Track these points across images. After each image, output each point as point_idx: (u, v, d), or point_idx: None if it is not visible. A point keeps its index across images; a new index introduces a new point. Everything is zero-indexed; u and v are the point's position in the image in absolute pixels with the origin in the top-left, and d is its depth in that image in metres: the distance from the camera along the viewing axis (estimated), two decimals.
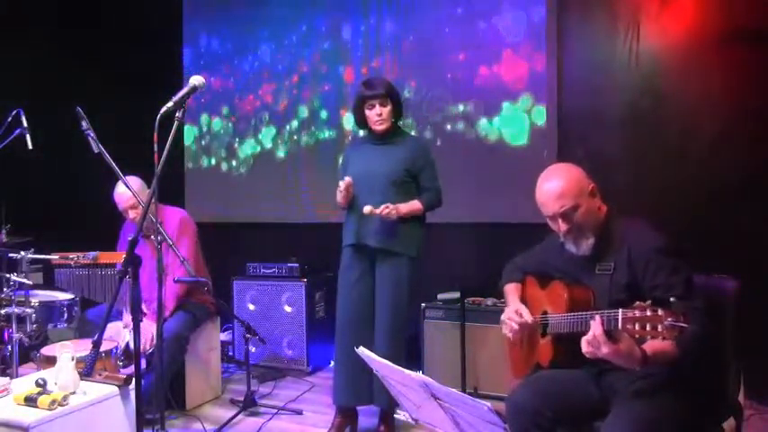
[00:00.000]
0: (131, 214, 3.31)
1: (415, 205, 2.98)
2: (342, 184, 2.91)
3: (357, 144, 3.21)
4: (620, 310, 1.68)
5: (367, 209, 2.85)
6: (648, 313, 1.62)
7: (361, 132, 3.23)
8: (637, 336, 1.65)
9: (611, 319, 1.73)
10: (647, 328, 1.62)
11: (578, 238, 2.00)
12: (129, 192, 3.31)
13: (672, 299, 1.64)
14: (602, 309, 1.90)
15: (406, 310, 3.00)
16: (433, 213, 3.96)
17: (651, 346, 1.74)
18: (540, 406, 1.93)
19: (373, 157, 3.03)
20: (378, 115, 2.96)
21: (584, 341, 1.76)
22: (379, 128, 2.98)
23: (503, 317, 2.21)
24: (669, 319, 1.59)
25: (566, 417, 1.95)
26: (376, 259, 2.99)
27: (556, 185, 1.97)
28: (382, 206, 2.83)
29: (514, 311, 2.16)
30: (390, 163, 2.98)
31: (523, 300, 2.27)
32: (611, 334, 1.74)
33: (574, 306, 1.98)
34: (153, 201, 2.10)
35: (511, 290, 2.33)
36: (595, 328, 1.73)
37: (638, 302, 1.66)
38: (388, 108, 2.97)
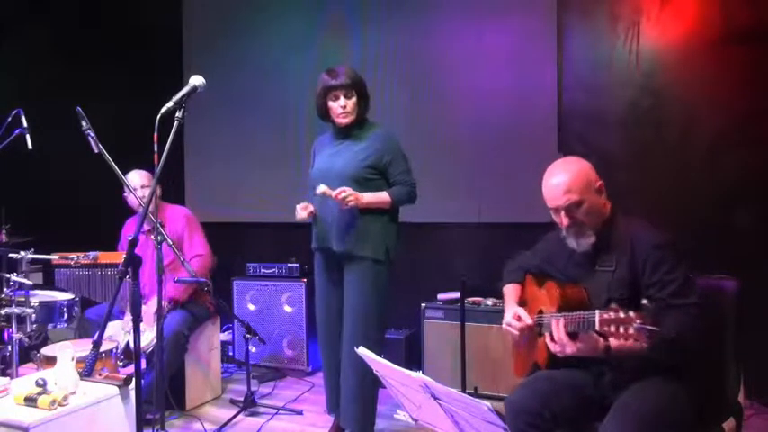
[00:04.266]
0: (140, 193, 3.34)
1: (381, 196, 2.74)
2: (302, 213, 2.79)
3: (322, 138, 2.97)
4: (597, 312, 1.71)
5: (320, 188, 2.65)
6: (621, 315, 1.64)
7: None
8: (612, 337, 1.68)
9: (589, 321, 1.77)
10: (621, 329, 1.64)
11: (579, 234, 2.01)
12: (139, 177, 3.42)
13: (644, 301, 1.67)
14: (597, 307, 1.91)
15: (373, 317, 2.78)
16: (433, 213, 4.00)
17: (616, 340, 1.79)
18: (539, 407, 1.94)
19: (334, 153, 2.82)
20: (342, 108, 2.73)
21: (548, 341, 1.89)
22: (343, 121, 2.76)
23: (503, 323, 2.20)
24: (638, 322, 1.61)
25: (564, 417, 1.95)
26: (342, 263, 2.84)
27: (563, 179, 1.97)
28: (339, 189, 2.63)
29: (512, 316, 2.15)
30: (350, 159, 2.75)
31: (524, 299, 2.27)
32: (573, 333, 1.83)
33: (565, 305, 1.98)
34: (153, 200, 2.11)
35: (509, 291, 2.32)
36: (556, 330, 1.85)
37: (613, 304, 1.69)
38: (353, 100, 2.75)
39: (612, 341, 1.80)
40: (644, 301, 1.67)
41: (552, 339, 1.88)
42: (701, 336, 1.83)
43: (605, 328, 1.68)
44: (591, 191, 1.98)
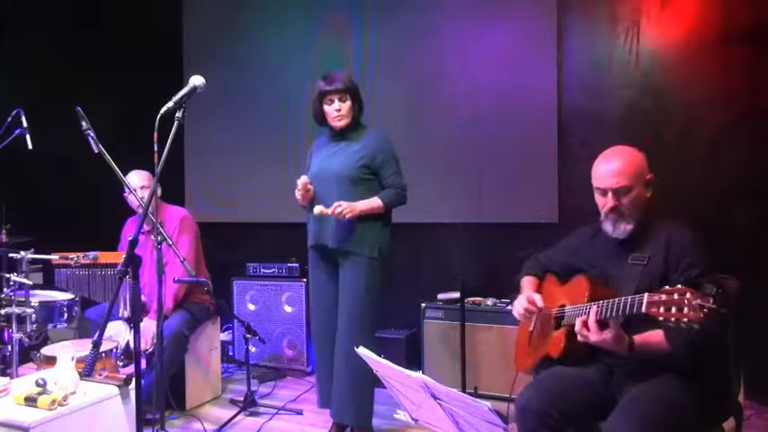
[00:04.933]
0: (140, 194, 3.31)
1: (374, 203, 2.84)
2: (299, 183, 2.86)
3: (319, 141, 3.08)
4: (646, 294, 1.72)
5: (317, 209, 2.76)
6: (675, 296, 1.64)
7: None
8: (661, 318, 1.67)
9: (634, 303, 1.76)
10: (673, 310, 1.64)
11: (618, 220, 2.03)
12: (139, 178, 3.40)
13: (709, 284, 1.64)
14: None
15: (366, 313, 2.86)
16: (433, 213, 4.00)
17: (641, 336, 1.84)
18: (548, 406, 1.93)
19: (330, 154, 2.93)
20: (336, 111, 2.86)
21: (578, 321, 1.88)
22: (338, 124, 2.89)
23: (516, 302, 2.23)
24: (697, 301, 1.60)
25: (574, 417, 1.95)
26: (337, 260, 2.92)
27: (618, 162, 2.02)
28: (334, 205, 2.74)
29: (526, 299, 2.17)
30: (346, 160, 2.86)
31: (539, 293, 2.27)
32: (603, 322, 1.83)
33: (594, 299, 1.98)
34: (153, 200, 2.11)
35: (526, 282, 2.34)
36: (590, 315, 1.84)
37: (666, 287, 1.68)
38: (348, 104, 2.87)
39: (636, 338, 1.84)
40: (709, 284, 1.65)
41: (584, 325, 1.87)
42: (719, 340, 1.85)
43: (653, 310, 1.68)
44: (641, 181, 2.02)
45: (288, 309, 4.21)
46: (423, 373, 1.70)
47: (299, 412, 3.41)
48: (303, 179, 2.86)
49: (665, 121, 3.59)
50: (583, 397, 1.98)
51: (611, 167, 2.01)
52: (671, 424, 1.79)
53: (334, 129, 2.93)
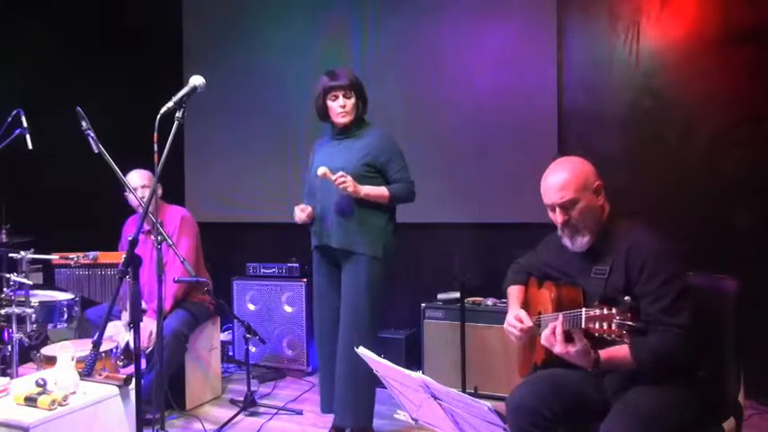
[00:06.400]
0: (140, 193, 3.31)
1: (379, 189, 2.81)
2: (297, 210, 2.89)
3: (321, 140, 3.07)
4: (584, 309, 1.75)
5: (321, 170, 2.72)
6: (605, 311, 1.70)
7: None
8: (596, 334, 1.73)
9: (576, 318, 1.79)
10: (604, 326, 1.70)
11: (573, 233, 2.01)
12: (140, 177, 3.40)
13: (626, 297, 1.73)
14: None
15: (368, 312, 2.83)
16: (433, 213, 4.00)
17: (607, 352, 1.84)
18: (540, 406, 1.93)
19: (333, 152, 2.90)
20: (341, 107, 2.83)
21: (543, 336, 1.89)
22: (342, 120, 2.86)
23: (505, 324, 2.21)
24: (618, 318, 1.66)
25: (565, 417, 1.95)
26: (340, 261, 2.91)
27: (560, 176, 1.97)
28: (339, 173, 2.70)
29: (514, 317, 2.15)
30: (348, 157, 2.84)
31: (526, 301, 2.27)
32: (570, 334, 1.83)
33: (561, 305, 1.99)
34: (153, 200, 2.11)
35: (513, 292, 2.32)
36: (555, 326, 1.85)
37: (597, 302, 1.73)
38: (352, 100, 2.85)
39: (602, 353, 1.84)
40: (626, 298, 1.72)
41: (552, 335, 1.88)
42: (686, 355, 1.84)
43: (590, 325, 1.71)
44: (588, 190, 1.97)
45: (288, 309, 4.21)
46: (423, 373, 1.70)
47: (299, 412, 3.41)
48: (302, 215, 2.88)
49: (665, 121, 3.59)
50: (575, 398, 1.98)
51: (554, 182, 1.97)
52: (669, 424, 1.79)
53: (337, 125, 2.90)
